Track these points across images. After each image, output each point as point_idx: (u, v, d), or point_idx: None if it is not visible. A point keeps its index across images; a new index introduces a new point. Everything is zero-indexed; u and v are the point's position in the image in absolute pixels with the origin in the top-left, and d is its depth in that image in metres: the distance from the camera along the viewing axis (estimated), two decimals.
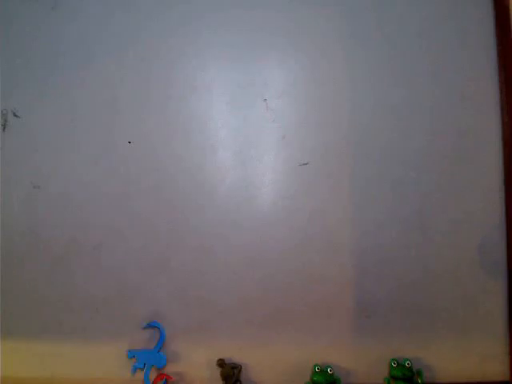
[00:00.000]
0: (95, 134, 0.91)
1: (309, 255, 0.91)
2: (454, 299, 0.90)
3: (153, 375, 0.87)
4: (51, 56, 0.92)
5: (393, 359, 0.86)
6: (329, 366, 0.85)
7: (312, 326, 0.90)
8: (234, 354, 0.90)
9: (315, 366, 0.86)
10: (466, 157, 0.91)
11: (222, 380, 0.87)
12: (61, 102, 0.92)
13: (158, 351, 0.88)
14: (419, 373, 0.86)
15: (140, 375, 0.88)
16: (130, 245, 0.90)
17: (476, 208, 0.91)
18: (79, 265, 0.91)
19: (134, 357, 0.88)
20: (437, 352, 0.90)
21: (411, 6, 0.93)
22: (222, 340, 0.90)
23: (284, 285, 0.90)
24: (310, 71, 0.93)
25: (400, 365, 0.86)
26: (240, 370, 0.87)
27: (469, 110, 0.92)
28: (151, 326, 0.89)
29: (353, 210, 0.91)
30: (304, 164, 0.91)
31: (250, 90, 0.92)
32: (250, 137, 0.92)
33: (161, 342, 0.88)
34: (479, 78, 0.92)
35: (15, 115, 0.92)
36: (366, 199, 0.91)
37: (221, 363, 0.88)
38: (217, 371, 0.88)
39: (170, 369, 0.89)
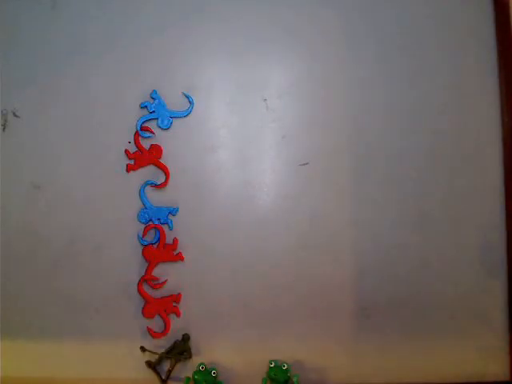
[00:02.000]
0: (95, 134, 0.91)
1: (309, 255, 0.91)
2: (454, 299, 0.91)
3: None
4: (51, 56, 0.92)
5: (271, 360, 0.86)
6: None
7: (312, 326, 0.90)
8: (233, 354, 0.90)
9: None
10: (466, 157, 0.92)
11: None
12: (61, 101, 0.92)
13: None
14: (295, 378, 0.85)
15: (140, 374, 0.88)
16: (130, 245, 0.90)
17: (476, 208, 0.91)
18: (79, 265, 0.91)
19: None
20: (437, 352, 0.90)
21: (411, 6, 0.93)
22: (221, 340, 0.90)
23: (284, 284, 0.90)
24: (311, 71, 0.93)
25: (277, 366, 0.85)
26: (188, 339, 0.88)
27: (469, 109, 0.92)
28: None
29: (353, 209, 0.91)
30: (304, 164, 0.91)
31: (250, 90, 0.92)
32: (249, 137, 0.92)
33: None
34: (479, 78, 0.92)
35: (15, 115, 0.92)
36: (365, 199, 0.91)
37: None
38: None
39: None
